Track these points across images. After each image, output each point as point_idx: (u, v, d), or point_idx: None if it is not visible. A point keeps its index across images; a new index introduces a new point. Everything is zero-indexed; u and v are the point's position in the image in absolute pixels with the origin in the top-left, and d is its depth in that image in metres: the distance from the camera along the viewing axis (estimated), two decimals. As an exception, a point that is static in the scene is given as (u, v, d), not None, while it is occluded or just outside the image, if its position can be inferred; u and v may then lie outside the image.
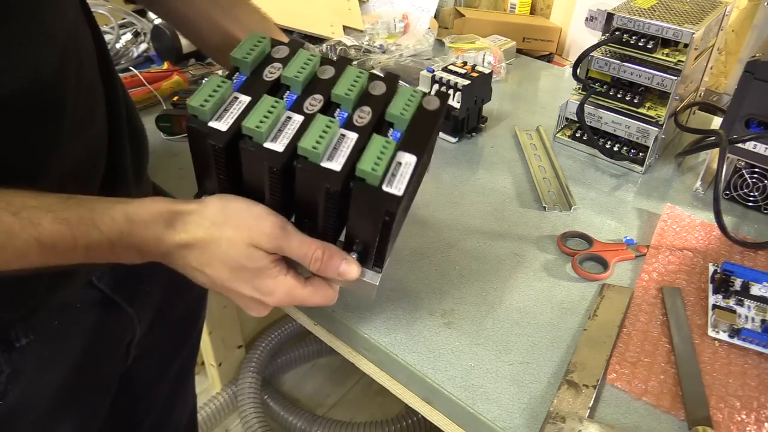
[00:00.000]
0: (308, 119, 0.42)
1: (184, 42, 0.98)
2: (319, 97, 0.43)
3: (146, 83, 0.91)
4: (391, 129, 0.43)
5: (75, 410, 0.56)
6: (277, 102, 0.41)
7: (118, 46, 1.00)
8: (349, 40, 1.08)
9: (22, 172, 0.43)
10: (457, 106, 0.81)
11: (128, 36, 1.02)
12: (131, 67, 0.95)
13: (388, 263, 0.47)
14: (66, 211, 0.38)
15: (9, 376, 0.48)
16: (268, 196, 0.42)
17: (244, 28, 0.56)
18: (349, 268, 0.43)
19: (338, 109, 0.43)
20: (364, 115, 0.43)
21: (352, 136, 0.42)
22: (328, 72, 0.45)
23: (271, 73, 0.44)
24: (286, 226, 0.42)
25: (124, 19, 1.05)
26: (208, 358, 1.38)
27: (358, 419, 1.32)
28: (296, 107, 0.43)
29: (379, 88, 0.45)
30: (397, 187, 0.40)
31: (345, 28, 1.15)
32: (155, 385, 0.78)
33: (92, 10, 0.53)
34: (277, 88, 0.44)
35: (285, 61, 0.44)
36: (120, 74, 0.92)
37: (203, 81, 0.41)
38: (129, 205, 0.40)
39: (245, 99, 0.42)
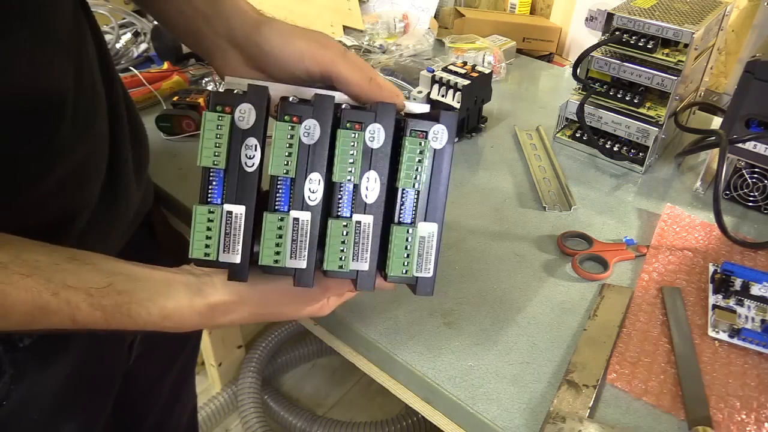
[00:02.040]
0: (320, 223, 0.38)
1: (184, 42, 0.98)
2: (316, 177, 0.38)
3: (146, 83, 0.91)
4: (405, 193, 0.39)
5: (78, 410, 0.56)
6: (281, 217, 0.37)
7: (118, 46, 1.00)
8: (349, 40, 1.08)
9: (22, 174, 0.43)
10: (457, 106, 0.81)
11: (128, 36, 1.03)
12: (131, 67, 0.95)
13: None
14: (104, 299, 0.38)
15: (12, 377, 0.48)
16: None
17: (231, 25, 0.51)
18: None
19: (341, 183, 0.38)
20: (373, 187, 0.39)
21: (368, 222, 0.39)
22: (314, 132, 0.38)
23: (249, 158, 0.37)
24: (325, 283, 0.43)
25: (124, 19, 1.05)
26: (208, 358, 1.38)
27: (358, 419, 1.32)
28: (296, 202, 0.38)
29: (378, 138, 0.38)
30: (427, 270, 0.40)
31: (345, 28, 1.15)
32: (156, 385, 0.78)
33: (92, 10, 0.53)
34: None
35: (257, 131, 0.37)
36: (120, 74, 0.92)
37: (193, 213, 0.37)
38: (167, 299, 0.40)
39: (240, 212, 0.37)
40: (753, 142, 0.69)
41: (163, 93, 0.92)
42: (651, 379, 0.51)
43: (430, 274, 0.40)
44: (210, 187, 0.37)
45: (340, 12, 1.16)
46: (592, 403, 0.48)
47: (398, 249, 0.39)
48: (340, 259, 0.38)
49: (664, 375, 0.51)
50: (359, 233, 0.39)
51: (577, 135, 0.85)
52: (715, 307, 0.57)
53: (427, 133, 0.39)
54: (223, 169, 0.37)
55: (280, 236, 0.37)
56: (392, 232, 0.39)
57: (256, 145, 0.37)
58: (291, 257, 0.38)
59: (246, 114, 0.37)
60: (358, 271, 0.40)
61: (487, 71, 0.84)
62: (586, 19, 0.78)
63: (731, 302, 0.57)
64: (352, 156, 0.38)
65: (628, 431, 0.47)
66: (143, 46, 1.03)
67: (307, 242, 0.38)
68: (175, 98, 0.87)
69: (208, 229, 0.37)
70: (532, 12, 1.35)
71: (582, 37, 1.26)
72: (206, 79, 0.96)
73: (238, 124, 0.37)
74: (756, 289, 0.58)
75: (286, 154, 0.37)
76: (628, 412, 0.48)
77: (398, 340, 0.54)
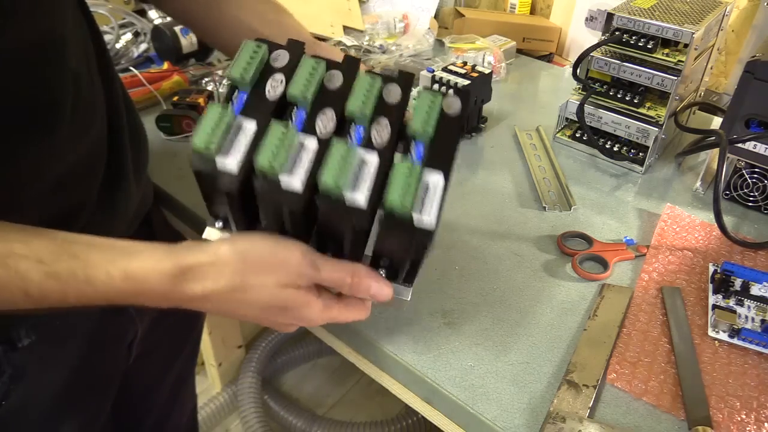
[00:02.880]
0: (323, 145, 0.38)
1: (184, 42, 0.98)
2: (330, 113, 0.40)
3: (146, 83, 0.91)
4: (413, 142, 0.40)
5: (77, 410, 0.56)
6: (286, 128, 0.37)
7: (118, 46, 1.00)
8: (349, 40, 1.08)
9: (20, 174, 0.43)
10: (451, 94, 0.81)
11: (128, 36, 1.03)
12: (131, 67, 0.95)
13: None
14: (57, 264, 0.35)
15: (11, 377, 0.48)
16: (289, 227, 0.41)
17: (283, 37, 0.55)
18: (381, 290, 0.42)
19: (353, 124, 0.40)
20: (382, 130, 0.40)
21: (373, 161, 0.38)
22: (337, 79, 0.41)
23: (273, 88, 0.40)
24: (314, 259, 0.40)
25: (124, 19, 1.05)
26: (208, 358, 1.38)
27: (358, 419, 1.32)
28: (308, 128, 0.39)
29: (394, 94, 0.41)
30: (428, 214, 0.37)
31: (345, 28, 1.15)
32: (156, 385, 0.78)
33: (92, 10, 0.53)
34: (283, 106, 0.40)
35: (287, 71, 0.41)
36: (120, 74, 0.92)
37: (205, 111, 0.38)
38: (130, 259, 0.37)
39: (251, 126, 0.38)
40: (753, 142, 0.69)
41: (163, 93, 0.92)
42: (651, 379, 0.51)
43: (432, 224, 0.37)
44: (231, 98, 0.40)
45: (340, 12, 1.16)
46: (592, 403, 0.48)
47: (400, 178, 0.37)
48: (338, 175, 0.36)
49: (664, 375, 0.51)
50: (362, 165, 0.38)
51: (577, 135, 0.85)
52: (715, 307, 0.57)
53: (442, 95, 0.41)
54: (248, 89, 0.40)
55: (280, 148, 0.37)
56: (395, 168, 0.37)
57: (282, 80, 0.40)
58: (287, 173, 0.37)
59: (280, 57, 0.41)
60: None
61: (487, 71, 0.84)
62: (586, 19, 0.78)
63: (731, 302, 0.57)
64: (366, 97, 0.39)
65: (628, 431, 0.47)
66: (143, 46, 1.03)
67: (307, 164, 0.37)
68: (175, 98, 0.87)
69: (217, 127, 0.37)
70: (532, 12, 1.35)
71: (582, 37, 1.25)
72: (206, 79, 0.96)
73: (272, 63, 0.41)
74: (756, 289, 0.58)
75: (306, 81, 0.39)
76: (628, 412, 0.48)
77: (398, 340, 0.54)
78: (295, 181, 0.37)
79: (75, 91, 0.46)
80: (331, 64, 0.42)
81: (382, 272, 0.43)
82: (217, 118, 0.37)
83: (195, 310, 0.40)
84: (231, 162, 0.37)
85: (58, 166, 0.46)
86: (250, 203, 0.40)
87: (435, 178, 0.39)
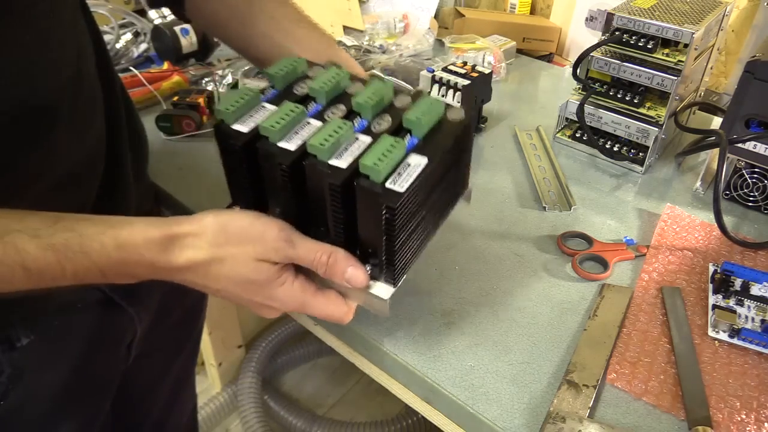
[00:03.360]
0: (325, 123, 0.42)
1: (184, 42, 0.98)
2: (341, 107, 0.44)
3: (146, 83, 0.91)
4: (409, 135, 0.42)
5: (76, 410, 0.56)
6: (297, 107, 0.42)
7: (118, 46, 1.00)
8: (349, 40, 1.08)
9: (18, 175, 0.43)
10: (457, 106, 0.81)
11: (128, 36, 1.03)
12: (131, 67, 0.95)
13: (405, 280, 0.46)
14: (52, 237, 0.36)
15: (10, 376, 0.48)
16: (280, 200, 0.44)
17: (305, 47, 0.56)
18: (357, 274, 0.42)
19: (359, 118, 0.43)
20: (382, 123, 0.43)
21: (366, 140, 0.41)
22: (356, 87, 0.46)
23: (301, 88, 0.46)
24: (291, 235, 0.41)
25: (124, 19, 1.05)
26: (208, 358, 1.38)
27: (358, 419, 1.32)
28: (317, 116, 0.44)
29: (402, 101, 0.45)
30: (400, 185, 0.39)
31: (345, 28, 1.15)
32: (155, 385, 0.78)
33: (92, 10, 0.53)
34: (305, 102, 0.45)
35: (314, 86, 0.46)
36: (120, 74, 0.92)
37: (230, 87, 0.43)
38: (120, 229, 0.38)
39: (270, 107, 0.43)
40: (753, 142, 0.69)
41: (163, 93, 0.92)
42: (651, 379, 0.51)
43: (402, 190, 0.38)
44: (263, 94, 0.45)
45: (340, 12, 1.16)
46: (592, 403, 0.48)
47: (381, 146, 0.40)
48: (325, 140, 0.39)
49: (664, 375, 0.51)
50: (354, 141, 0.41)
51: (577, 135, 0.85)
52: (715, 307, 0.57)
53: (445, 102, 0.45)
54: (281, 87, 0.46)
55: (285, 118, 0.41)
56: (380, 138, 0.41)
57: (309, 84, 0.46)
58: (285, 140, 0.41)
59: (314, 70, 0.48)
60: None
61: (487, 71, 0.83)
62: (586, 19, 0.78)
63: (731, 302, 0.57)
64: (374, 95, 0.43)
65: (628, 431, 0.47)
66: (143, 46, 1.03)
67: (306, 135, 0.42)
68: (175, 98, 0.87)
69: (242, 102, 0.42)
70: (532, 12, 1.35)
71: (582, 37, 1.25)
72: (206, 79, 0.96)
73: (308, 74, 0.48)
74: (756, 289, 0.58)
75: (326, 81, 0.45)
76: (628, 412, 0.48)
77: (398, 340, 0.54)
78: (291, 144, 0.41)
79: (72, 94, 0.46)
80: (355, 78, 0.47)
81: (368, 267, 0.44)
82: (244, 98, 0.43)
83: (179, 283, 0.41)
84: (243, 127, 0.42)
85: (56, 167, 0.46)
86: (258, 179, 0.44)
87: (418, 159, 0.41)
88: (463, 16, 1.22)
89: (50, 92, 0.43)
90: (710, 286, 0.59)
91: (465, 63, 0.85)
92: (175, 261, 0.39)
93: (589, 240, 0.66)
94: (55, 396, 0.53)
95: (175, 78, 0.94)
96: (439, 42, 1.14)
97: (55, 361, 0.53)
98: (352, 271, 0.42)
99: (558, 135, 0.86)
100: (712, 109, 0.94)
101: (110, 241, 0.38)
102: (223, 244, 0.40)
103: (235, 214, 0.41)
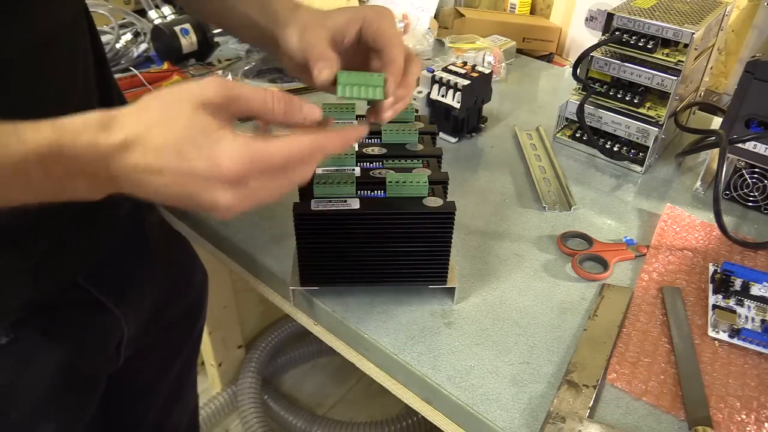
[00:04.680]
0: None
1: (184, 42, 0.98)
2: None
3: (146, 83, 0.91)
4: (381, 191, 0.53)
5: (59, 410, 0.56)
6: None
7: (118, 46, 1.00)
8: (349, 40, 1.08)
9: None
10: (457, 106, 0.81)
11: (128, 36, 1.02)
12: (131, 67, 0.95)
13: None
14: None
15: None
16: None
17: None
18: (310, 106, 0.38)
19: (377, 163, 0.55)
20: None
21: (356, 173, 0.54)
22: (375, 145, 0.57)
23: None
24: (233, 85, 0.36)
25: (124, 19, 1.05)
26: (208, 358, 1.38)
27: (358, 419, 1.32)
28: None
29: (418, 167, 0.55)
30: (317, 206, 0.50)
31: (345, 28, 1.14)
32: (155, 385, 0.78)
33: (92, 10, 0.53)
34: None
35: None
36: (120, 74, 0.93)
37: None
38: (59, 119, 0.34)
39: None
40: (753, 142, 0.69)
41: (163, 93, 0.92)
42: (651, 379, 0.51)
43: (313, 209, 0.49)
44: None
45: (340, 12, 1.16)
46: (592, 403, 0.48)
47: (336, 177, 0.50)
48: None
49: (664, 375, 0.51)
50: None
51: (577, 135, 0.85)
52: (715, 307, 0.57)
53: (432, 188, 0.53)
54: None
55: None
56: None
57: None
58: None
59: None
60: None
61: (487, 71, 0.83)
62: (586, 19, 0.78)
63: (731, 302, 0.57)
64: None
65: (628, 431, 0.47)
66: (143, 46, 1.03)
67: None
68: (175, 98, 0.87)
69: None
70: (532, 12, 1.35)
71: (582, 37, 1.25)
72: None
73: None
74: (756, 289, 0.58)
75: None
76: (628, 412, 0.48)
77: (398, 340, 0.54)
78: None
79: (70, 89, 0.45)
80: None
81: None
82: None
83: (122, 187, 0.36)
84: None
85: None
86: None
87: (354, 203, 0.51)
88: (463, 16, 1.22)
89: (45, 92, 0.43)
90: (710, 286, 0.59)
91: (465, 63, 0.85)
92: (114, 138, 0.34)
93: (589, 240, 0.66)
94: (37, 396, 0.53)
95: (175, 78, 0.94)
96: (439, 42, 1.14)
97: (37, 361, 0.52)
98: (309, 107, 0.38)
99: (558, 135, 0.86)
100: (712, 109, 0.94)
101: (46, 124, 0.34)
102: (162, 106, 0.35)
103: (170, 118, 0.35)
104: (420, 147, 0.57)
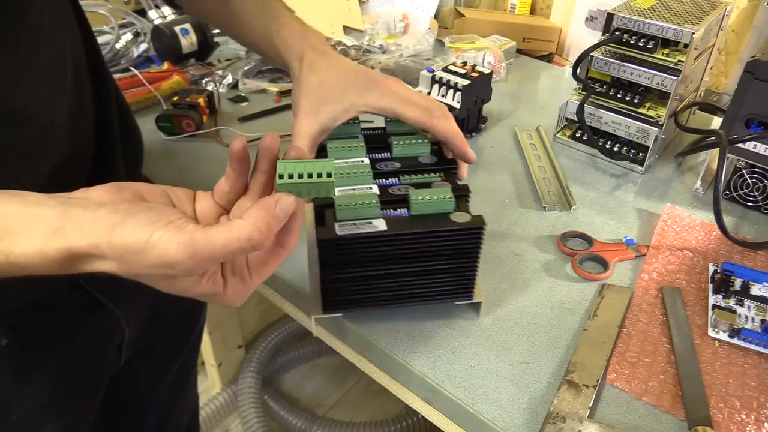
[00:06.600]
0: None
1: (184, 42, 0.98)
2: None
3: (146, 83, 0.91)
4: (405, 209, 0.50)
5: (60, 412, 0.56)
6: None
7: (118, 46, 1.00)
8: (349, 40, 1.08)
9: None
10: (457, 106, 0.81)
11: (128, 36, 1.02)
12: (131, 67, 0.95)
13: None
14: None
15: None
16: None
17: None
18: (284, 197, 0.35)
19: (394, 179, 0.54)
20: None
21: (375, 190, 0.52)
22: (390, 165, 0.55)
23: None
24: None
25: (124, 19, 1.05)
26: (208, 358, 1.38)
27: (358, 419, 1.32)
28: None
29: (438, 182, 0.53)
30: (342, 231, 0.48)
31: (345, 28, 1.15)
32: (155, 385, 0.78)
33: (92, 10, 0.53)
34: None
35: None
36: (120, 74, 0.92)
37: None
38: (15, 242, 0.32)
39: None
40: (753, 142, 0.69)
41: (163, 93, 0.92)
42: (651, 379, 0.51)
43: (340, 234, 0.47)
44: None
45: (340, 12, 1.16)
46: (592, 403, 0.48)
47: (356, 197, 0.49)
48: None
49: (664, 375, 0.51)
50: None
51: (577, 135, 0.85)
52: (715, 307, 0.57)
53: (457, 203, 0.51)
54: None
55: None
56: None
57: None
58: None
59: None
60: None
61: (487, 71, 0.83)
62: (586, 19, 0.78)
63: (731, 302, 0.57)
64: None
65: (628, 431, 0.47)
66: (143, 46, 1.03)
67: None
68: (175, 98, 0.87)
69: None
70: (532, 12, 1.35)
71: (582, 37, 1.25)
72: (206, 79, 0.96)
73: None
74: (756, 289, 0.58)
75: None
76: (628, 412, 0.48)
77: (398, 340, 0.54)
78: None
79: (60, 89, 0.45)
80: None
81: None
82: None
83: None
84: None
85: (36, 169, 0.45)
86: None
87: (380, 224, 0.48)
88: (463, 16, 1.22)
89: (36, 92, 0.43)
90: (710, 286, 0.59)
91: (465, 63, 0.85)
92: (86, 270, 0.33)
93: (589, 240, 0.66)
94: (37, 398, 0.53)
95: (175, 78, 0.94)
96: (439, 42, 1.14)
97: (37, 362, 0.52)
98: (281, 205, 0.34)
99: (558, 135, 0.86)
100: (712, 109, 0.94)
101: (1, 256, 0.32)
102: (133, 266, 0.33)
103: (132, 218, 0.32)
104: (434, 159, 0.55)
